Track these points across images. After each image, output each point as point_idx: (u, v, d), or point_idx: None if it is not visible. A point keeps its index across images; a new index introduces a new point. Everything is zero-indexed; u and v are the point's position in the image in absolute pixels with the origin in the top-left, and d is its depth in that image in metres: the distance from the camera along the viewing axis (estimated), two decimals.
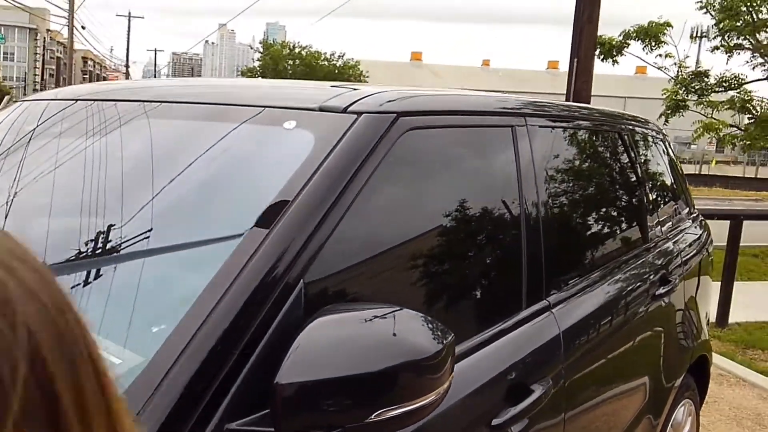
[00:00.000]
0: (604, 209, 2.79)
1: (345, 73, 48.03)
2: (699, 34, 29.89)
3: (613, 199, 2.88)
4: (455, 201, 1.86)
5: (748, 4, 10.35)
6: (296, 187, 1.43)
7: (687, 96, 11.30)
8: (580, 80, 9.47)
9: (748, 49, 11.09)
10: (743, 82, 11.12)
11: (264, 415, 1.16)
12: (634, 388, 2.58)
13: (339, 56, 48.73)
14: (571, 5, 8.48)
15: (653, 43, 11.57)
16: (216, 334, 1.17)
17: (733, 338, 6.02)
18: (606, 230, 2.73)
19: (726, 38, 11.07)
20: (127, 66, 60.04)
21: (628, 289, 2.53)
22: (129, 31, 55.74)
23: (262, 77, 48.87)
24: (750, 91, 11.02)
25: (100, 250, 1.49)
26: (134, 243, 1.45)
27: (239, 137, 1.68)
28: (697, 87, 11.22)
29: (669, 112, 11.38)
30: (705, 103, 11.21)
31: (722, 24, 10.85)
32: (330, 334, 1.19)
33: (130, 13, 55.41)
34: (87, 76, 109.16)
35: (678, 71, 11.73)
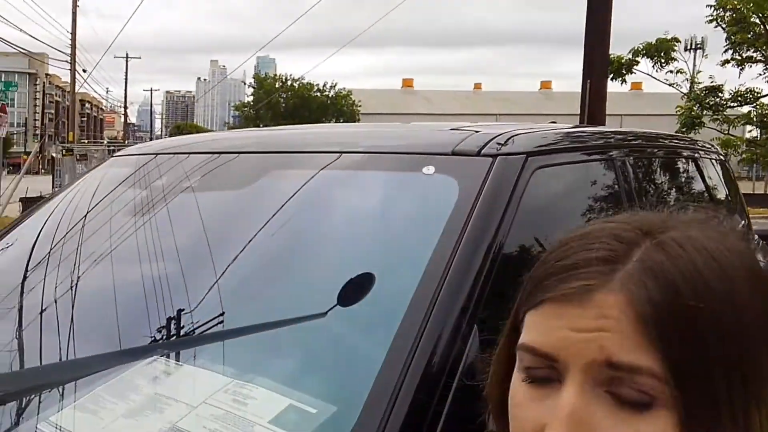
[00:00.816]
0: None
1: (338, 103, 48.37)
2: (693, 47, 30.07)
3: None
4: None
5: (760, 15, 10.38)
6: (453, 236, 1.42)
7: (702, 112, 11.29)
8: (594, 102, 9.50)
9: (761, 61, 11.11)
10: (759, 95, 11.11)
11: None
12: None
13: (331, 86, 49.09)
14: (555, 23, 8.56)
15: (663, 60, 11.61)
16: (410, 389, 1.19)
17: None
18: None
19: (738, 51, 11.09)
20: (125, 107, 60.55)
21: None
22: (126, 72, 56.25)
23: (256, 112, 49.15)
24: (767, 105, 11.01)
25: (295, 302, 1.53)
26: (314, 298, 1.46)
27: (387, 184, 1.72)
28: (711, 102, 11.21)
29: (684, 129, 11.36)
30: (721, 119, 11.20)
31: (734, 37, 10.85)
32: None
33: (127, 55, 55.93)
34: (85, 118, 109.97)
35: (690, 87, 11.76)
